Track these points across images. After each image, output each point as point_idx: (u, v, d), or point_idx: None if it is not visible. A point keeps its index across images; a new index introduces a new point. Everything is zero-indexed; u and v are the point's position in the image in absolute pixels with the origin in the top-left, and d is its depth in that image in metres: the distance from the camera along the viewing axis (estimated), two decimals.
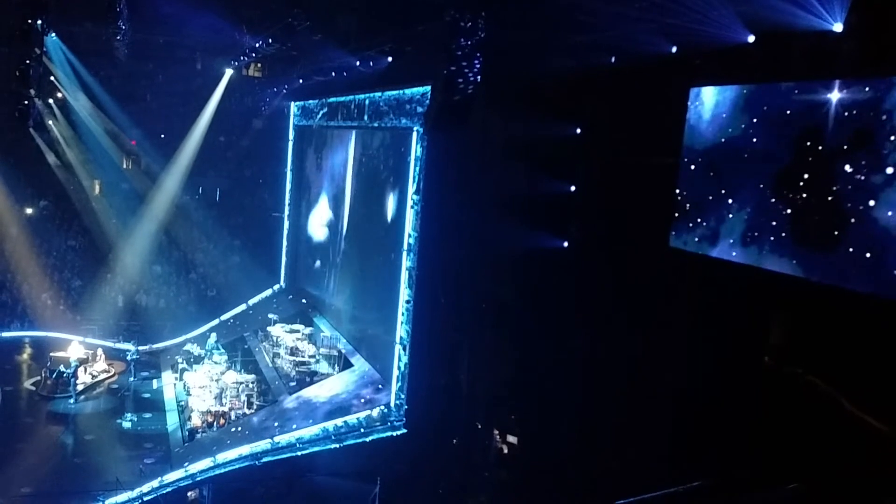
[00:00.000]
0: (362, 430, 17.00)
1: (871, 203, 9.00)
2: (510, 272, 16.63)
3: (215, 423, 19.01)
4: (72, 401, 20.57)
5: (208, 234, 30.30)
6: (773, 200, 10.49)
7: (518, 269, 16.36)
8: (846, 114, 9.39)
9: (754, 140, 10.88)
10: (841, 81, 9.44)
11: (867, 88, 9.15)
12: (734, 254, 11.19)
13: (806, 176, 9.98)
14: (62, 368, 21.01)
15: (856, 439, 9.36)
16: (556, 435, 15.25)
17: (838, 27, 9.23)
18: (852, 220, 9.26)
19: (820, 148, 9.75)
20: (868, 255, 9.07)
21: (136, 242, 28.59)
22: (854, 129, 9.28)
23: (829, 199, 9.60)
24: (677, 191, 12.48)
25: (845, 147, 9.38)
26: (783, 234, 10.31)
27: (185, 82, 28.96)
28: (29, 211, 28.98)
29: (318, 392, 19.37)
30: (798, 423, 10.14)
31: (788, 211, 10.25)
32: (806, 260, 10.00)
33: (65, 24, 22.60)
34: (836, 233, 9.48)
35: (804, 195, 10.03)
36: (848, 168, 9.32)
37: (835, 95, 9.50)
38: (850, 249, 9.31)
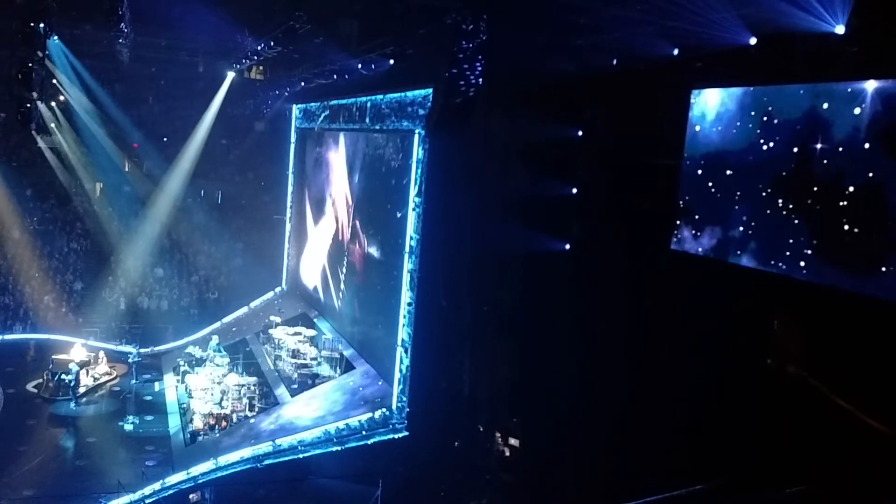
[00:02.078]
0: (364, 432, 16.98)
1: None
2: (512, 274, 16.61)
3: (217, 426, 19.01)
4: (73, 403, 20.59)
5: (210, 237, 30.32)
6: (782, 210, 10.26)
7: (520, 271, 16.35)
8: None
9: (761, 143, 10.71)
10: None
11: None
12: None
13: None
14: (63, 375, 21.00)
15: (857, 441, 9.34)
16: (558, 438, 15.22)
17: (840, 29, 9.22)
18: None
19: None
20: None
21: (138, 245, 28.62)
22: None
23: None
24: (678, 196, 12.43)
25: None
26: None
27: (188, 85, 29.02)
28: (31, 213, 28.99)
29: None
30: (800, 425, 10.12)
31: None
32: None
33: (67, 27, 22.62)
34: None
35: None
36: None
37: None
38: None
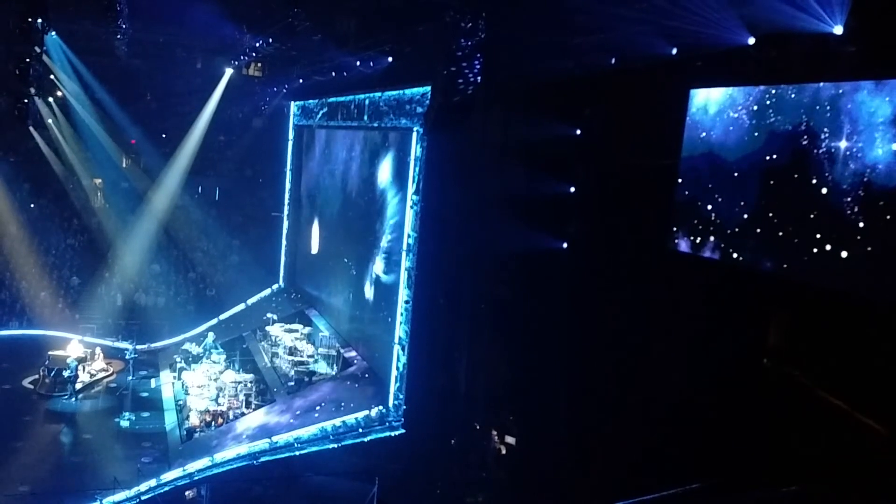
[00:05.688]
0: (360, 430, 16.99)
1: None
2: (509, 273, 16.65)
3: (213, 423, 19.00)
4: (69, 397, 20.53)
5: (207, 234, 30.28)
6: (784, 210, 10.22)
7: (517, 269, 16.38)
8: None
9: (763, 142, 10.67)
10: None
11: None
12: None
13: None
14: (64, 372, 20.96)
15: (854, 440, 9.37)
16: (554, 436, 15.26)
17: (838, 30, 9.23)
18: None
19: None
20: None
21: (136, 241, 28.55)
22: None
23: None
24: (677, 196, 12.43)
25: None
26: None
27: (185, 81, 28.92)
28: (29, 209, 28.93)
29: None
30: (796, 425, 10.15)
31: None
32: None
33: (65, 22, 22.53)
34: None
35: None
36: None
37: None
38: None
